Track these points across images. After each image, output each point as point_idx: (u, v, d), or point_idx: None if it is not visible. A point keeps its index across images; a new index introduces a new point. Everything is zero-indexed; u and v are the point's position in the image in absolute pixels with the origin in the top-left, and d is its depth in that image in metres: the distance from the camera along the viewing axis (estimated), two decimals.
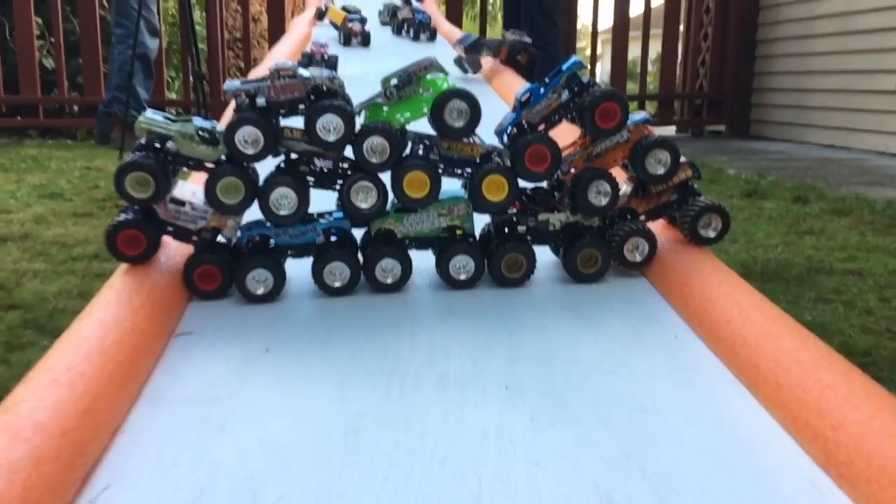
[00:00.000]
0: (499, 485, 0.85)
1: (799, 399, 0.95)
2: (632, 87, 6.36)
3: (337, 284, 1.30)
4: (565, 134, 1.42)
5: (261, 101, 1.27)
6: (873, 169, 4.20)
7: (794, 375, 0.98)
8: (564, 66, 1.35)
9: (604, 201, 1.34)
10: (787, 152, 4.95)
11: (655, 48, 6.18)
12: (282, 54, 3.36)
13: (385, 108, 1.33)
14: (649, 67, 6.22)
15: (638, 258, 1.38)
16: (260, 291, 1.28)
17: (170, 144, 1.26)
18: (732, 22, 5.90)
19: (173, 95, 5.97)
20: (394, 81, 1.33)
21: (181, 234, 1.29)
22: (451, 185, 1.38)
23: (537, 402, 1.02)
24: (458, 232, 1.37)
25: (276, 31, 5.26)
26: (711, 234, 1.38)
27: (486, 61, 3.33)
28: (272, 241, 1.32)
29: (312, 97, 1.28)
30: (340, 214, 1.33)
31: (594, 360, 1.13)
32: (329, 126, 1.25)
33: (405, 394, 1.04)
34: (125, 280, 1.22)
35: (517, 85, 3.12)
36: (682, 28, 6.07)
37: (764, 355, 1.05)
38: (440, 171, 1.33)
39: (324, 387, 1.05)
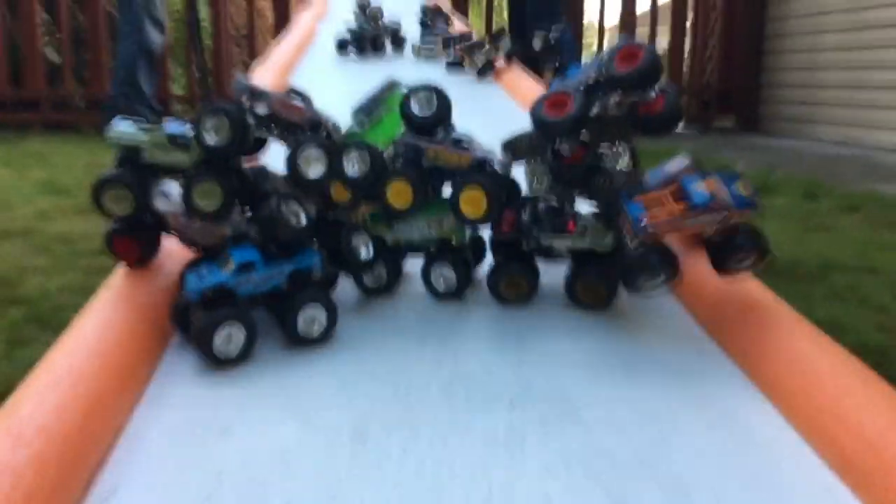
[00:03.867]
0: (508, 490, 0.84)
1: (815, 405, 0.93)
2: None
3: (315, 332, 1.14)
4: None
5: (262, 108, 1.22)
6: (885, 165, 4.16)
7: (810, 380, 0.96)
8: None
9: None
10: (796, 148, 4.90)
11: (663, 43, 6.14)
12: (286, 49, 3.35)
13: (362, 135, 1.33)
14: None
15: (655, 288, 1.16)
16: (230, 352, 1.08)
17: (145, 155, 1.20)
18: (740, 16, 5.85)
19: (178, 90, 5.96)
20: (362, 112, 1.34)
21: (188, 243, 1.27)
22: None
23: (547, 406, 1.00)
24: (452, 242, 1.31)
25: (282, 25, 5.24)
26: (744, 265, 1.17)
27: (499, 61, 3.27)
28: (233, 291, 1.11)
29: (307, 131, 1.24)
30: (309, 253, 1.17)
31: (605, 363, 1.11)
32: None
33: (412, 398, 1.02)
34: (125, 280, 1.21)
35: (524, 83, 3.00)
36: (689, 22, 6.01)
37: (779, 360, 1.03)
38: (428, 181, 1.27)
39: (329, 390, 1.04)
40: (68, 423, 0.85)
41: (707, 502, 0.82)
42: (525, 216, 1.26)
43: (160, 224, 1.23)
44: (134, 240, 1.23)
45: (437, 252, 1.31)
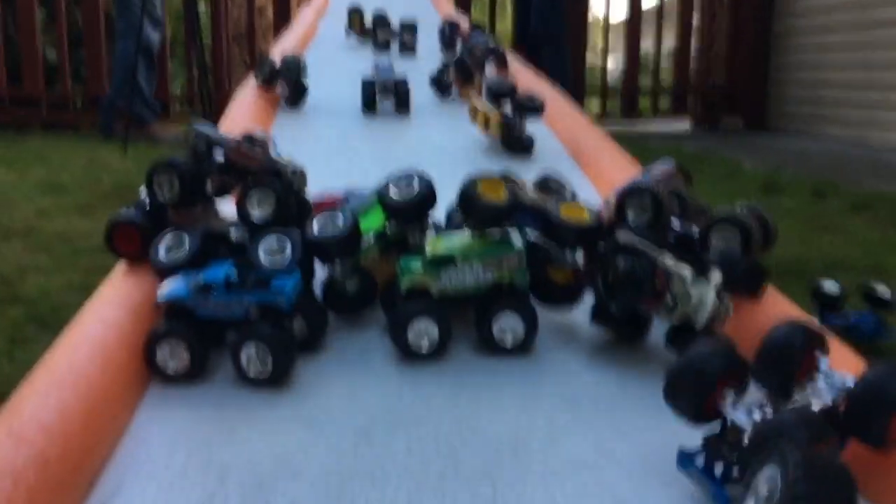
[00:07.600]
0: (514, 493, 0.83)
1: None
2: (645, 81, 6.28)
3: (252, 374, 1.03)
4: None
5: (219, 155, 1.25)
6: (894, 164, 4.14)
7: None
8: None
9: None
10: (804, 147, 4.87)
11: (669, 41, 6.12)
12: (287, 47, 3.33)
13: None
14: (662, 61, 6.14)
15: None
16: (173, 369, 1.03)
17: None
18: (747, 13, 5.83)
19: (177, 89, 5.96)
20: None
21: None
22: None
23: (553, 408, 0.99)
24: (507, 285, 1.13)
25: (282, 24, 5.23)
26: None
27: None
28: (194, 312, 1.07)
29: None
30: (280, 284, 1.06)
31: (611, 366, 1.10)
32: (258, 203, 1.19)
33: (418, 399, 1.01)
34: (125, 278, 1.20)
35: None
36: (696, 20, 5.99)
37: None
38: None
39: (334, 391, 1.03)
40: (70, 423, 0.84)
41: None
42: (600, 273, 1.08)
43: (162, 218, 1.23)
44: (133, 233, 1.22)
45: (493, 300, 1.12)
